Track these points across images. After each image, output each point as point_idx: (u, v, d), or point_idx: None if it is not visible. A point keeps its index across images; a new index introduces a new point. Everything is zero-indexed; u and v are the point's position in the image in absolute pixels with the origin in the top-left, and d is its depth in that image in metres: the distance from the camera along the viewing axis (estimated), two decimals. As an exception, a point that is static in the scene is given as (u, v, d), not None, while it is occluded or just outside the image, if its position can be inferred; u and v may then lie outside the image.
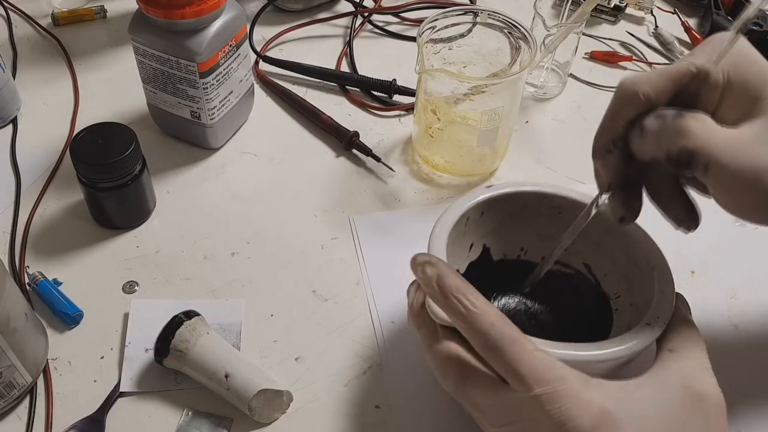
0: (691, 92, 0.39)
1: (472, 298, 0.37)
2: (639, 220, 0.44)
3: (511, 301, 0.53)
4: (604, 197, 0.43)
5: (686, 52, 0.81)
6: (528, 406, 0.36)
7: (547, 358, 0.36)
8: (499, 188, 0.49)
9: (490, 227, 0.51)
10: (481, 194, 0.49)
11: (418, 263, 0.39)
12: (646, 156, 0.40)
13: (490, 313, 0.37)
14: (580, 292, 0.51)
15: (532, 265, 0.52)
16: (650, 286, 0.44)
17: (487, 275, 0.51)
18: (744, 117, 0.39)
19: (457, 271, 0.42)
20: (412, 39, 0.81)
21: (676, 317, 0.42)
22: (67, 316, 0.53)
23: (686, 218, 0.42)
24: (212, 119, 0.64)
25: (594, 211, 0.44)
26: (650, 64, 0.79)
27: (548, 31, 0.68)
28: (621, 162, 0.41)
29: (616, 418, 0.35)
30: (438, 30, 0.62)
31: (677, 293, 0.44)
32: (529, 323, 0.52)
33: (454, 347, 0.39)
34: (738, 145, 0.37)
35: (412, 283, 0.44)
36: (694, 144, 0.37)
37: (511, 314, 0.52)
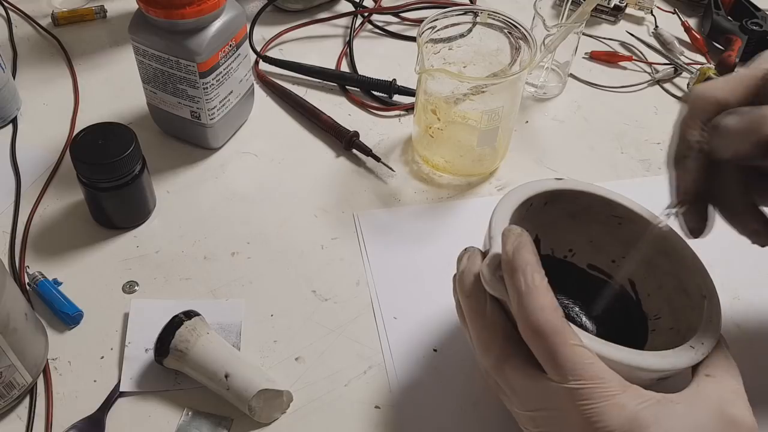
0: (763, 96, 0.39)
1: (537, 276, 0.38)
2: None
3: None
4: (674, 210, 0.42)
5: (686, 52, 0.81)
6: (561, 397, 0.36)
7: (588, 355, 0.36)
8: (567, 183, 0.49)
9: (547, 220, 0.50)
10: (550, 184, 0.48)
11: (512, 230, 0.40)
12: (729, 153, 0.39)
13: (546, 297, 0.37)
14: (618, 307, 0.50)
15: (575, 268, 0.52)
16: (698, 313, 0.43)
17: None
18: None
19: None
20: (412, 39, 0.81)
21: (716, 348, 0.42)
22: (67, 316, 0.53)
23: (764, 231, 0.42)
24: (212, 119, 0.64)
25: (664, 223, 0.44)
26: (650, 63, 0.79)
27: (548, 31, 0.68)
28: (701, 167, 0.41)
29: (647, 428, 0.35)
30: (438, 30, 0.62)
31: None
32: None
33: (501, 322, 0.40)
34: None
35: (464, 251, 0.44)
36: None
37: None
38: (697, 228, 0.43)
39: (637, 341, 0.47)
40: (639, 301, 0.50)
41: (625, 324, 0.49)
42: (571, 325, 0.38)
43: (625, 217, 0.49)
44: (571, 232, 0.51)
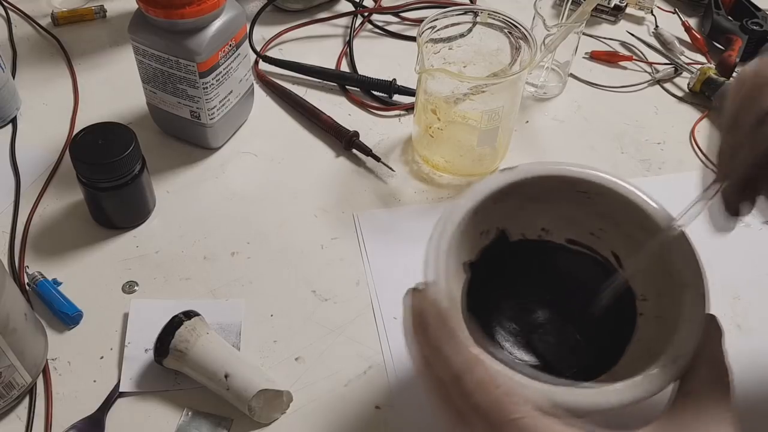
0: None
1: (457, 359, 0.33)
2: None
3: (530, 285, 0.49)
4: (718, 186, 0.39)
5: (686, 51, 0.81)
6: None
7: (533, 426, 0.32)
8: (513, 174, 0.46)
9: (505, 212, 0.47)
10: (491, 185, 0.45)
11: (415, 309, 0.36)
12: None
13: (478, 371, 0.33)
14: (605, 284, 0.46)
15: (553, 244, 0.49)
16: (679, 307, 0.40)
17: (503, 257, 0.48)
18: None
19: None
20: (412, 39, 0.81)
21: (702, 350, 0.37)
22: (66, 316, 0.53)
23: None
24: (212, 119, 0.64)
25: (709, 202, 0.40)
26: (650, 63, 0.79)
27: (548, 31, 0.68)
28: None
29: None
30: (438, 30, 0.62)
31: (710, 315, 0.39)
32: (547, 315, 0.49)
33: None
34: None
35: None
36: None
37: (529, 301, 0.49)
38: (742, 209, 0.38)
39: (625, 325, 0.45)
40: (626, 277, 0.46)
41: (613, 304, 0.46)
42: (517, 375, 0.35)
43: (592, 192, 0.46)
44: (538, 214, 0.48)
